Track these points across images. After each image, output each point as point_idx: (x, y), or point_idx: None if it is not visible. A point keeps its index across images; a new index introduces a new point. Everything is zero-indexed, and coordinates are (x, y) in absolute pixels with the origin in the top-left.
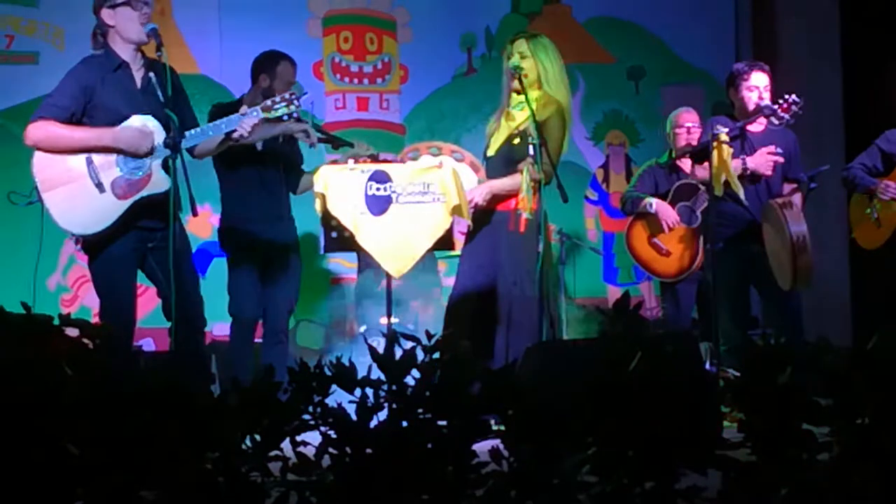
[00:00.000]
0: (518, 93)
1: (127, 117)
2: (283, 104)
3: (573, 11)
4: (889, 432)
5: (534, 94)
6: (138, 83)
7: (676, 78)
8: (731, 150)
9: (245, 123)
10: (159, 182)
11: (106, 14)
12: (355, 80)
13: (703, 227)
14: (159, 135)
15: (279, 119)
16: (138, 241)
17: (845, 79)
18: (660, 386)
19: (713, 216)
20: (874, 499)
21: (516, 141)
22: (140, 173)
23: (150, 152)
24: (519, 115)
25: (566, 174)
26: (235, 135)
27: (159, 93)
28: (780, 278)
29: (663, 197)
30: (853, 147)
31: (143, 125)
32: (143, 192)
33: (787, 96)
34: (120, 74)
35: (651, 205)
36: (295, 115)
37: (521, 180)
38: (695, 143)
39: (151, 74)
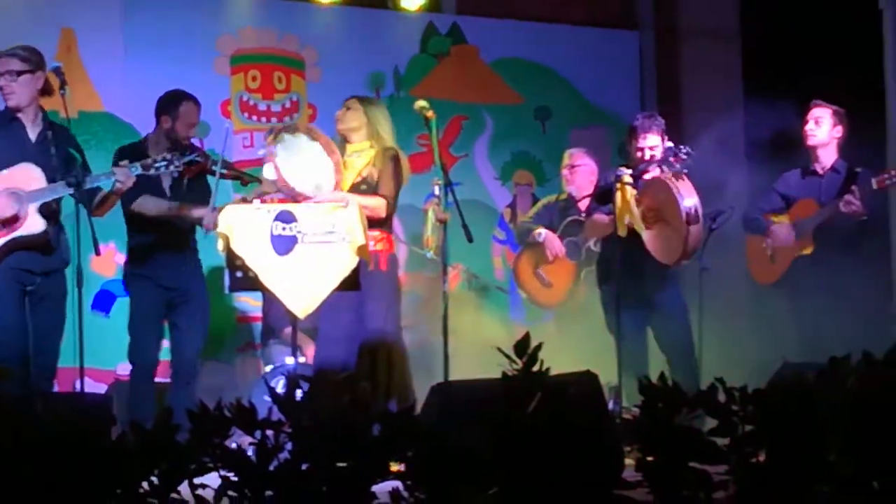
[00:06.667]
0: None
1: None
2: (164, 163)
3: (481, 52)
4: (784, 470)
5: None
6: (32, 136)
7: (582, 119)
8: (634, 192)
9: (121, 175)
10: (34, 224)
11: None
12: (263, 119)
13: (585, 262)
14: (41, 182)
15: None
16: (16, 281)
17: (747, 121)
18: (560, 426)
19: (617, 256)
20: None
21: (364, 187)
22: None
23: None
24: (356, 162)
25: (473, 213)
26: (114, 188)
27: (52, 147)
28: (664, 254)
29: (555, 231)
30: (756, 191)
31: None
32: (16, 234)
33: (681, 147)
34: (15, 126)
35: (540, 234)
36: (173, 170)
37: (425, 220)
38: (577, 183)
39: (49, 133)
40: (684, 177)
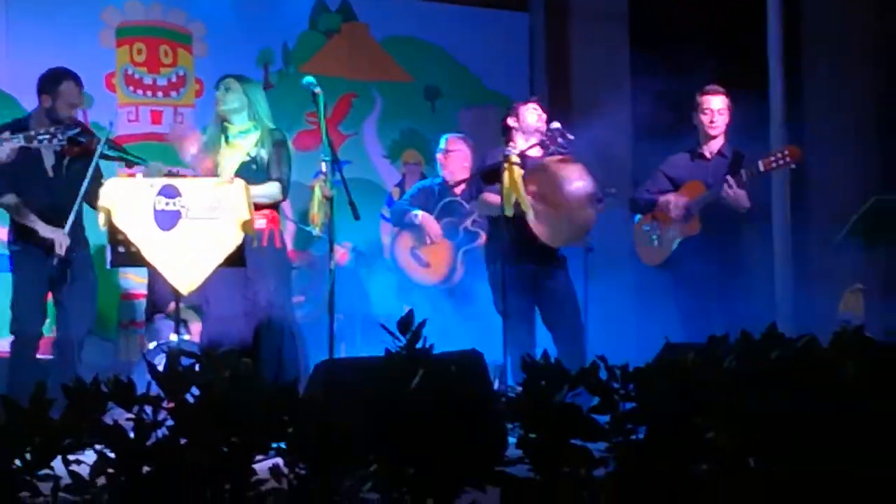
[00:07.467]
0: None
1: None
2: (47, 136)
3: (371, 30)
4: (663, 447)
5: (249, 124)
6: None
7: (472, 99)
8: (522, 172)
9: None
10: None
11: None
12: (149, 93)
13: (464, 242)
14: None
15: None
16: None
17: (635, 102)
18: (441, 404)
19: (504, 236)
20: None
21: (254, 167)
22: None
23: None
24: (243, 143)
25: (361, 192)
26: None
27: None
28: (550, 236)
29: (431, 212)
30: (642, 171)
31: None
32: None
33: (549, 125)
34: None
35: (416, 216)
36: (56, 143)
37: (311, 197)
38: (450, 168)
39: None
40: (572, 160)
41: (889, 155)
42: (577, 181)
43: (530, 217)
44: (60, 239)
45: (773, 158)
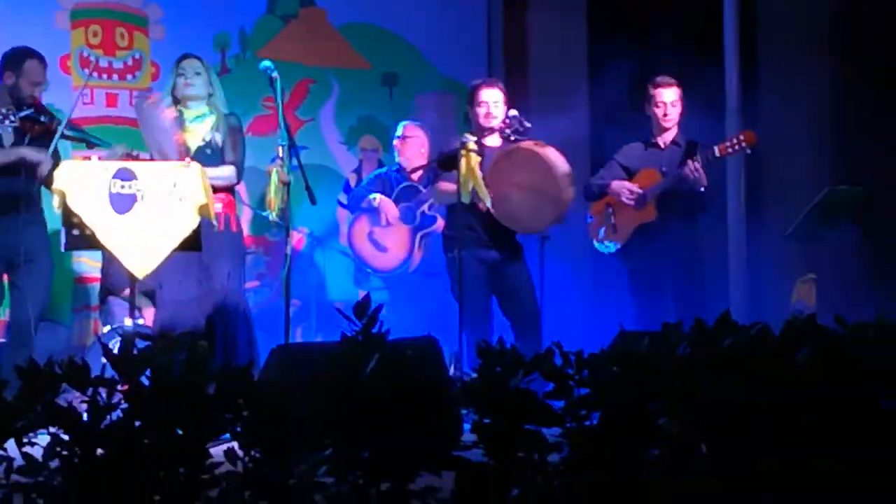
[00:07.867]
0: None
1: None
2: None
3: (329, 16)
4: (616, 432)
5: (205, 108)
6: None
7: (430, 86)
8: (480, 159)
9: None
10: None
11: None
12: (104, 76)
13: (421, 226)
14: None
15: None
16: None
17: (593, 88)
18: (397, 388)
19: (459, 223)
20: (603, 499)
21: (209, 151)
22: None
23: None
24: (199, 128)
25: (318, 177)
26: None
27: None
28: (534, 219)
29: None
30: (599, 158)
31: None
32: None
33: (507, 113)
34: None
35: (374, 199)
36: (8, 125)
37: (268, 181)
38: (407, 154)
39: None
40: (547, 144)
41: (844, 145)
42: (561, 163)
43: (488, 203)
44: (46, 162)
45: (728, 144)
